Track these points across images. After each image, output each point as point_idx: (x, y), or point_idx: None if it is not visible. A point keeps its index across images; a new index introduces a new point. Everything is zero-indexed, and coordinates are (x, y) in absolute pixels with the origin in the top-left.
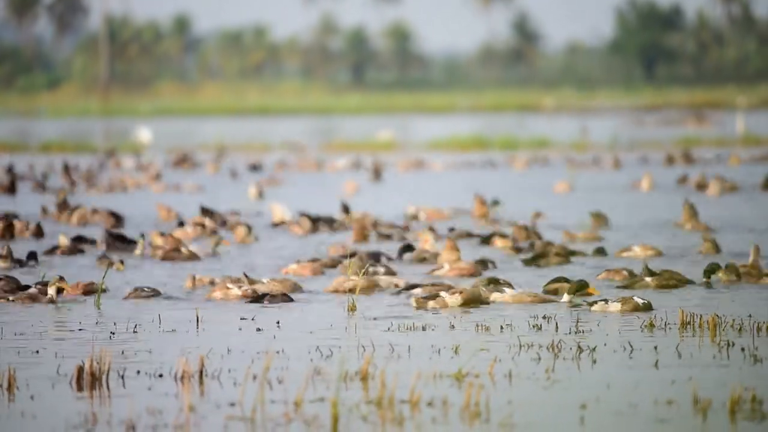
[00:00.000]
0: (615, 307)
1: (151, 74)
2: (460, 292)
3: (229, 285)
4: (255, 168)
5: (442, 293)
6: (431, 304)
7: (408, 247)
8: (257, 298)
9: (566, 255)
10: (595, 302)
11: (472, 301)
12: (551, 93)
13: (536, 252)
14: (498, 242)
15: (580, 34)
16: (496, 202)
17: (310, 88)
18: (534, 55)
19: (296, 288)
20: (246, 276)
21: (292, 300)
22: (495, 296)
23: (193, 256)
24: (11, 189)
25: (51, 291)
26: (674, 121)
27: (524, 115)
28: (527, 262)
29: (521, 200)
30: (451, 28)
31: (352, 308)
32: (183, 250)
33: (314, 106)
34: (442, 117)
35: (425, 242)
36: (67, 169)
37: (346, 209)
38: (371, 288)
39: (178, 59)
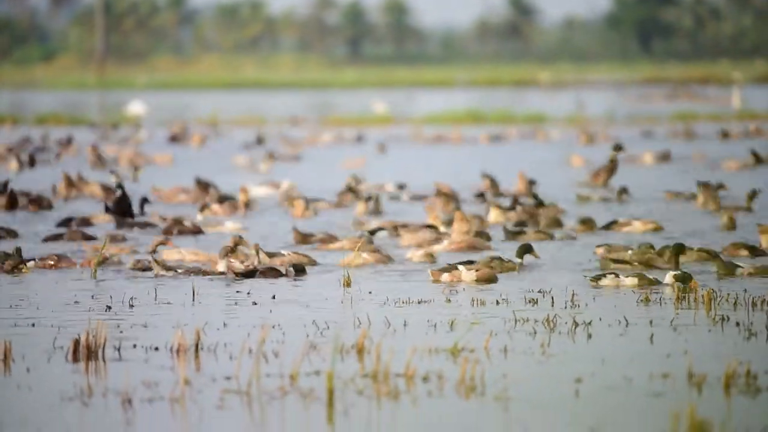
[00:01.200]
0: (632, 281)
1: (146, 47)
2: (477, 270)
3: (232, 260)
4: (259, 141)
5: (459, 267)
6: (445, 277)
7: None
8: (248, 274)
9: (547, 232)
10: (604, 276)
11: (488, 280)
12: (547, 67)
13: (520, 226)
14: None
15: (577, 8)
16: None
17: (307, 62)
18: (530, 30)
19: (311, 262)
20: (259, 248)
21: (283, 275)
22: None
23: (196, 229)
24: (21, 165)
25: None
26: (667, 96)
27: (521, 89)
28: (510, 236)
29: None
30: (448, 2)
31: (348, 283)
32: (186, 223)
33: (311, 81)
34: (439, 91)
35: (433, 219)
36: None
37: (351, 188)
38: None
39: (174, 32)
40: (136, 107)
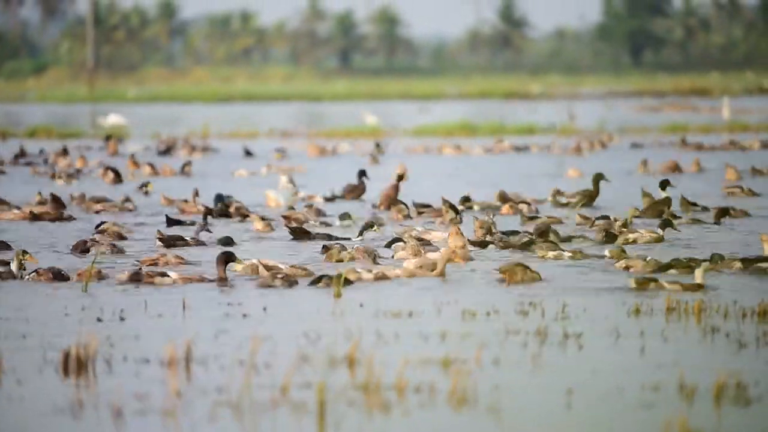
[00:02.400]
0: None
1: (137, 59)
2: (681, 284)
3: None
4: (248, 153)
5: (663, 281)
6: (652, 286)
7: (395, 240)
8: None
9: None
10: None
11: (694, 289)
12: (538, 79)
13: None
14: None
15: (568, 20)
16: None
17: (298, 74)
18: (521, 42)
19: (309, 274)
20: (262, 262)
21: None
22: None
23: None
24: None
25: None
26: (656, 107)
27: (512, 102)
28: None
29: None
30: (439, 13)
31: (338, 294)
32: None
33: (301, 93)
34: (429, 103)
35: (429, 233)
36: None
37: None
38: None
39: (165, 44)
40: (113, 119)
